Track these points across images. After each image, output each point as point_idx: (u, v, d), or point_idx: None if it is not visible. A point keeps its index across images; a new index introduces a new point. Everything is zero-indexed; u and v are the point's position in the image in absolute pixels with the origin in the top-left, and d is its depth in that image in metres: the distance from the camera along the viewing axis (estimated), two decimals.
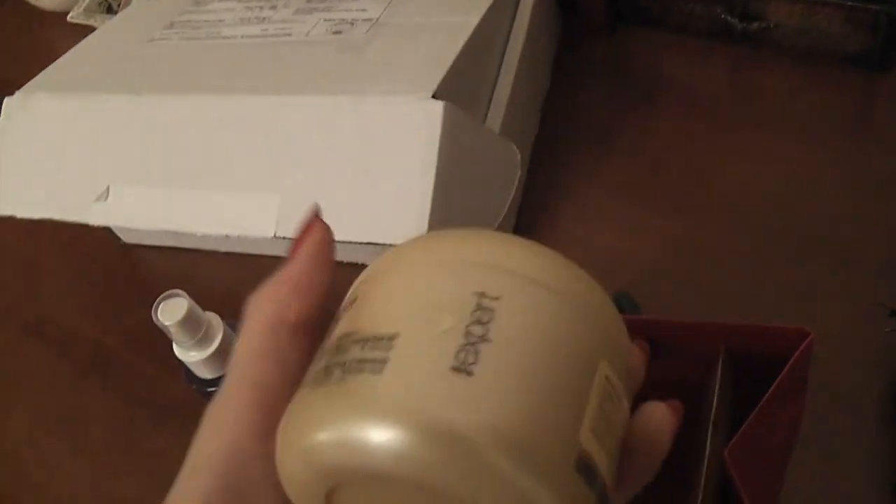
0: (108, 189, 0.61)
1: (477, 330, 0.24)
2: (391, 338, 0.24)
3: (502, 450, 0.22)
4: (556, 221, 0.66)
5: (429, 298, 0.25)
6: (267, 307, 0.29)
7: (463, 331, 0.24)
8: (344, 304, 0.27)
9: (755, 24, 0.71)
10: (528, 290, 0.26)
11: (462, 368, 0.23)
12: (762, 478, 0.39)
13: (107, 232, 0.74)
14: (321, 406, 0.24)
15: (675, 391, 0.42)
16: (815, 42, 0.70)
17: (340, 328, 0.25)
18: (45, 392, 0.68)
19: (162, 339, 0.51)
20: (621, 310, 0.54)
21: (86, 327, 0.71)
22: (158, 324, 0.49)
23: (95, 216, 0.61)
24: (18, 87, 0.66)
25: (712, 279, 0.60)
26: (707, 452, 0.35)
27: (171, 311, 0.49)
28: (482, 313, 0.24)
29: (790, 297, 0.58)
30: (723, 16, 0.72)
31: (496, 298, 0.25)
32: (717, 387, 0.37)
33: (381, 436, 0.22)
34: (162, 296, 0.49)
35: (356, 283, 0.28)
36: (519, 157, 0.62)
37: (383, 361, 0.23)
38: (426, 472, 0.22)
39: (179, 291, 0.49)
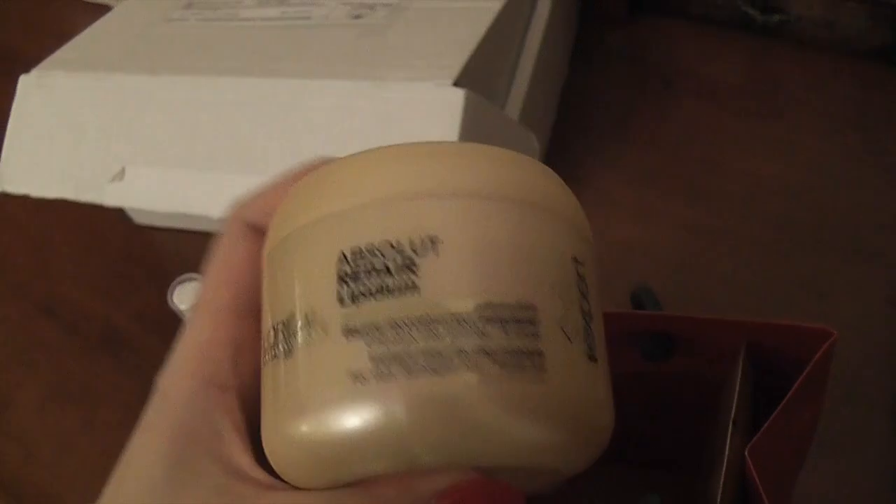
0: (123, 170, 0.60)
1: (586, 309, 0.26)
2: (532, 320, 0.24)
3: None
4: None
5: (546, 259, 0.25)
6: (250, 214, 0.29)
7: (580, 315, 0.25)
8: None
9: (776, 17, 0.71)
10: (592, 252, 0.27)
11: (592, 360, 0.25)
12: (780, 477, 0.39)
13: (119, 213, 0.73)
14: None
15: (695, 388, 0.42)
16: (835, 35, 0.70)
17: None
18: (55, 370, 0.68)
19: (173, 321, 0.51)
20: (641, 305, 0.54)
21: (97, 307, 0.71)
22: (173, 307, 0.49)
23: (110, 197, 0.61)
24: (32, 64, 0.66)
25: (728, 269, 0.60)
26: (727, 451, 0.34)
27: (186, 294, 0.49)
28: (582, 286, 0.26)
29: (806, 290, 0.58)
30: (743, 7, 0.72)
31: (583, 264, 0.26)
32: (737, 385, 0.37)
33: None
34: (177, 279, 0.49)
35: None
36: (538, 146, 0.62)
37: (539, 367, 0.23)
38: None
39: (195, 275, 0.49)
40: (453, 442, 0.23)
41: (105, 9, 0.85)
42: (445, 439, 0.23)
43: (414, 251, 0.24)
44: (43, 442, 0.65)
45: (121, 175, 0.60)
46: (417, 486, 0.24)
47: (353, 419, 0.23)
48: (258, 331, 0.27)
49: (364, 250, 0.24)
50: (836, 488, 0.50)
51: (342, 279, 0.24)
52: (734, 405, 0.36)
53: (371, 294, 0.24)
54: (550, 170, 0.29)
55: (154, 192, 0.60)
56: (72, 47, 0.68)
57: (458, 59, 0.54)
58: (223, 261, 0.29)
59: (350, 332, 0.23)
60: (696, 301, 0.59)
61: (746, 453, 0.33)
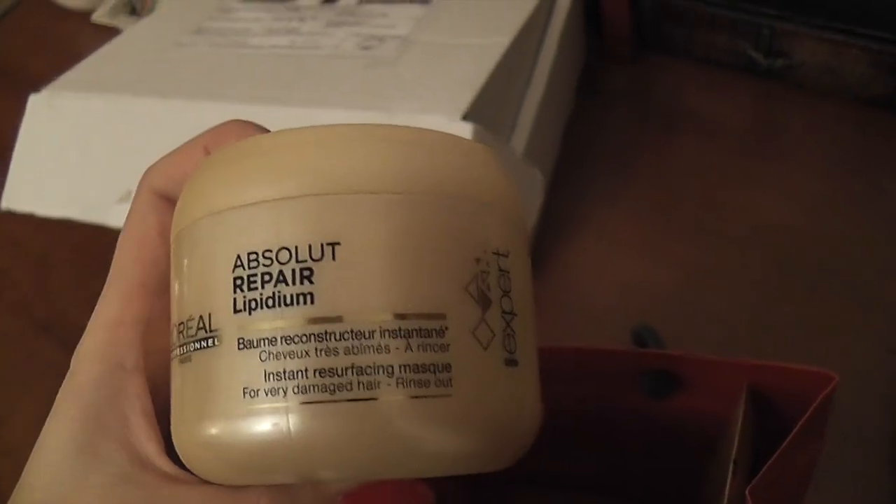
0: (129, 192, 0.61)
1: (507, 308, 0.24)
2: (440, 331, 0.23)
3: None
4: (575, 246, 0.66)
5: (456, 263, 0.23)
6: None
7: (498, 316, 0.24)
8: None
9: (780, 61, 0.72)
10: (523, 242, 0.26)
11: (510, 365, 0.24)
12: None
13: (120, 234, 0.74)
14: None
15: (696, 426, 0.42)
16: (838, 81, 0.70)
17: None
18: (52, 390, 0.67)
19: None
20: (643, 342, 0.54)
21: None
22: None
23: (115, 218, 0.61)
24: (41, 84, 0.67)
25: (727, 309, 0.61)
26: (727, 490, 0.35)
27: None
28: (504, 282, 0.24)
29: (803, 332, 0.58)
30: (747, 51, 0.73)
31: (507, 257, 0.24)
32: (739, 425, 0.37)
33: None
34: None
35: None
36: (542, 181, 0.62)
37: (446, 382, 0.22)
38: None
39: None
40: (351, 460, 0.22)
41: (114, 31, 0.85)
42: (342, 458, 0.22)
43: (311, 257, 0.22)
44: None
45: (127, 197, 0.61)
46: (325, 486, 0.24)
47: (247, 435, 0.22)
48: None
49: (260, 255, 0.23)
50: None
51: (238, 285, 0.23)
52: (735, 445, 0.36)
53: (265, 303, 0.22)
54: (478, 146, 0.27)
55: None
56: (82, 68, 0.69)
57: (466, 94, 0.55)
58: (132, 234, 0.28)
59: (244, 343, 0.22)
60: (695, 340, 0.59)
61: (747, 493, 0.33)
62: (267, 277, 0.22)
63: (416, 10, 0.68)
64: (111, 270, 0.27)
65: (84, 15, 0.96)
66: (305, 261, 0.22)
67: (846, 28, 0.67)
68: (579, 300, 0.63)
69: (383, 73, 0.61)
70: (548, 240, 0.67)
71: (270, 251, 0.22)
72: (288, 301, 0.22)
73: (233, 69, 0.66)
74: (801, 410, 0.36)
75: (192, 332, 0.24)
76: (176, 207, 0.26)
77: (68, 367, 0.26)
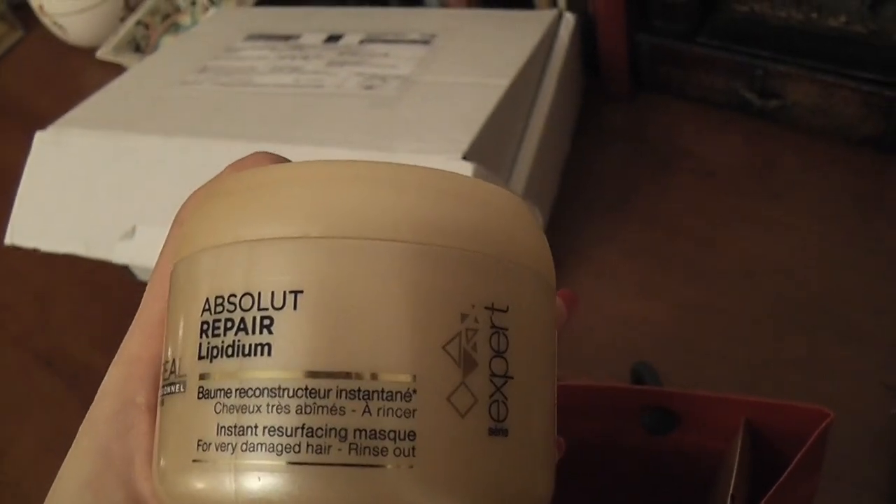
0: (134, 228, 0.61)
1: (497, 370, 0.22)
2: (407, 394, 0.21)
3: None
4: (573, 284, 0.67)
5: (432, 322, 0.21)
6: None
7: (484, 378, 0.22)
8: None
9: (773, 102, 0.73)
10: (529, 294, 0.23)
11: (496, 434, 0.22)
12: None
13: (122, 269, 0.74)
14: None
15: (694, 462, 0.43)
16: (830, 122, 0.72)
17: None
18: (53, 423, 0.68)
19: None
20: (641, 380, 0.55)
21: (97, 361, 0.71)
22: None
23: (120, 254, 0.62)
24: (46, 120, 0.67)
25: (724, 347, 0.61)
26: None
27: None
28: (496, 341, 0.22)
29: (800, 370, 0.59)
30: (741, 91, 0.74)
31: (504, 314, 0.22)
32: (736, 460, 0.37)
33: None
34: None
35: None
36: (541, 220, 0.63)
37: (409, 451, 0.21)
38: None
39: None
40: None
41: (119, 68, 0.87)
42: None
43: (273, 305, 0.21)
44: (37, 492, 0.65)
45: (131, 233, 0.61)
46: None
47: (194, 489, 0.21)
48: None
49: (226, 299, 0.21)
50: None
51: (204, 330, 0.22)
52: (733, 480, 0.37)
53: (225, 352, 0.21)
54: (486, 185, 0.24)
55: None
56: (87, 106, 0.70)
57: (467, 134, 0.56)
58: (160, 270, 0.27)
59: (203, 392, 0.21)
60: (692, 377, 0.59)
61: None
62: (229, 324, 0.21)
63: (418, 50, 0.69)
64: (140, 305, 0.27)
65: (89, 52, 0.97)
66: (266, 309, 0.21)
67: (837, 70, 0.68)
68: (577, 337, 0.64)
69: (385, 113, 0.62)
70: None
71: (235, 296, 0.21)
72: (246, 351, 0.21)
73: (237, 107, 0.67)
74: (797, 446, 0.37)
75: (167, 374, 0.23)
76: (179, 237, 0.26)
77: (69, 400, 0.27)
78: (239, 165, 0.27)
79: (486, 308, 0.22)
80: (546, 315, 0.24)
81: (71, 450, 0.26)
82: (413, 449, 0.20)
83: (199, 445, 0.21)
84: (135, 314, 0.28)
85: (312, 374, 0.20)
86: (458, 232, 0.22)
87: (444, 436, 0.21)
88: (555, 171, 0.74)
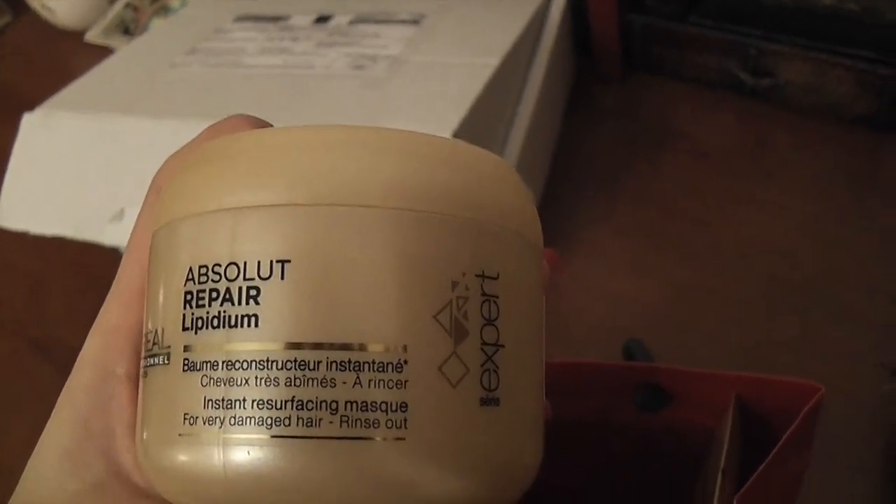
0: (122, 210, 0.61)
1: (488, 339, 0.22)
2: (399, 364, 0.21)
3: None
4: (565, 263, 0.67)
5: (422, 290, 0.21)
6: None
7: (476, 350, 0.21)
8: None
9: (766, 81, 0.72)
10: (518, 261, 0.23)
11: (487, 404, 0.22)
12: None
13: (114, 253, 0.74)
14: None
15: (684, 439, 0.42)
16: (823, 101, 0.71)
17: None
18: (47, 410, 0.68)
19: None
20: (633, 358, 0.55)
21: None
22: None
23: (109, 237, 0.61)
24: (34, 104, 0.67)
25: (715, 326, 0.61)
26: (716, 500, 0.35)
27: None
28: (488, 310, 0.22)
29: (792, 350, 0.59)
30: (734, 70, 0.74)
31: (495, 281, 0.22)
32: (727, 435, 0.37)
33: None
34: None
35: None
36: (533, 200, 0.63)
37: (402, 423, 0.21)
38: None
39: None
40: (287, 501, 0.21)
41: (108, 51, 0.86)
42: (278, 498, 0.20)
43: (259, 275, 0.20)
44: None
45: (120, 215, 0.61)
46: None
47: (181, 462, 0.21)
48: None
49: (210, 269, 0.21)
50: None
51: (187, 300, 0.21)
52: (724, 455, 0.36)
53: (210, 323, 0.21)
54: (471, 148, 0.24)
55: None
56: (76, 88, 0.69)
57: (456, 113, 0.56)
58: (137, 238, 0.27)
59: (188, 365, 0.21)
60: (684, 357, 0.59)
61: (735, 502, 0.34)
62: (214, 294, 0.21)
63: (408, 30, 0.69)
64: (117, 274, 0.27)
65: (77, 35, 0.97)
66: (253, 279, 0.20)
67: (830, 48, 0.68)
68: (569, 317, 0.63)
69: (375, 93, 0.62)
70: None
71: (220, 265, 0.21)
72: (232, 322, 0.20)
73: (226, 89, 0.66)
74: (788, 422, 0.37)
75: (150, 346, 0.23)
76: (158, 202, 0.25)
77: (62, 387, 0.26)
78: (217, 129, 0.27)
79: (477, 276, 0.21)
80: (535, 280, 0.24)
81: (49, 420, 0.26)
82: (405, 420, 0.20)
83: (185, 419, 0.21)
84: None
85: (301, 346, 0.20)
86: (448, 197, 0.22)
87: (436, 407, 0.21)
88: (546, 151, 0.73)
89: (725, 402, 0.39)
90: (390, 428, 0.20)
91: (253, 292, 0.20)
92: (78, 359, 0.26)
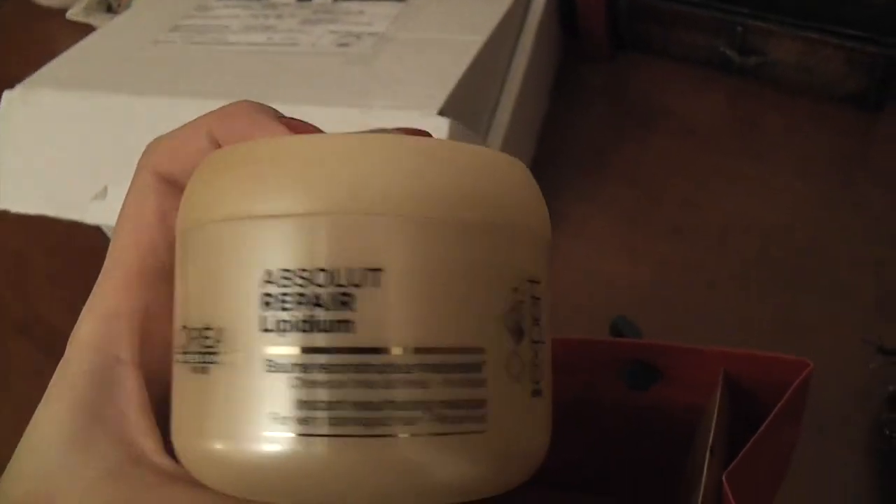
0: (105, 188, 0.60)
1: (536, 338, 0.24)
2: (477, 365, 0.22)
3: None
4: (552, 242, 0.67)
5: (493, 293, 0.22)
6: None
7: (530, 352, 0.23)
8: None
9: (753, 59, 0.72)
10: (548, 266, 0.25)
11: (536, 396, 0.23)
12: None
13: (97, 232, 0.73)
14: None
15: (673, 417, 0.42)
16: (812, 80, 0.71)
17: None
18: (30, 391, 0.67)
19: None
20: (622, 333, 0.54)
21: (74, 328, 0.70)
22: None
23: (92, 215, 0.61)
24: (14, 82, 0.66)
25: (704, 304, 0.61)
26: (704, 476, 0.35)
27: None
28: (534, 313, 0.24)
29: (780, 327, 0.59)
30: (722, 48, 0.73)
31: (536, 284, 0.24)
32: (715, 412, 0.37)
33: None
34: None
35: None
36: None
37: (480, 419, 0.22)
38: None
39: None
40: (375, 496, 0.21)
41: (90, 29, 0.85)
42: (366, 494, 0.21)
43: (352, 283, 0.21)
44: None
45: (103, 194, 0.60)
46: None
47: (269, 462, 0.21)
48: (171, 295, 0.25)
49: (295, 273, 0.21)
50: None
51: (266, 302, 0.21)
52: (712, 432, 0.36)
53: (298, 326, 0.21)
54: (515, 162, 0.25)
55: None
56: (57, 65, 0.69)
57: (442, 90, 0.55)
58: (130, 218, 0.26)
59: (272, 366, 0.21)
60: (671, 335, 0.59)
61: (724, 479, 0.34)
62: (302, 299, 0.21)
63: (393, 7, 0.68)
64: (108, 255, 0.26)
65: (59, 12, 0.96)
66: (345, 286, 0.21)
67: (819, 26, 0.68)
68: (557, 297, 0.63)
69: (360, 70, 0.61)
70: None
71: (307, 271, 0.21)
72: (325, 327, 0.21)
73: (209, 66, 0.66)
74: (777, 398, 0.36)
75: (209, 343, 0.22)
76: (184, 199, 0.25)
77: (46, 368, 0.26)
78: (226, 113, 0.26)
79: (529, 281, 0.23)
80: (549, 273, 0.26)
81: (42, 406, 0.25)
82: (484, 416, 0.22)
83: (272, 419, 0.21)
84: None
85: (396, 351, 0.21)
86: (508, 208, 0.23)
87: (506, 401, 0.22)
88: (532, 129, 0.73)
89: (714, 378, 0.39)
90: (474, 423, 0.22)
91: (346, 299, 0.21)
92: (72, 344, 0.26)
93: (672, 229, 0.66)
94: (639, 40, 0.78)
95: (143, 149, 0.28)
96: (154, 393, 0.25)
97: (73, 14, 0.93)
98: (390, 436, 0.21)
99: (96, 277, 0.27)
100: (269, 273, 0.21)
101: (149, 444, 0.24)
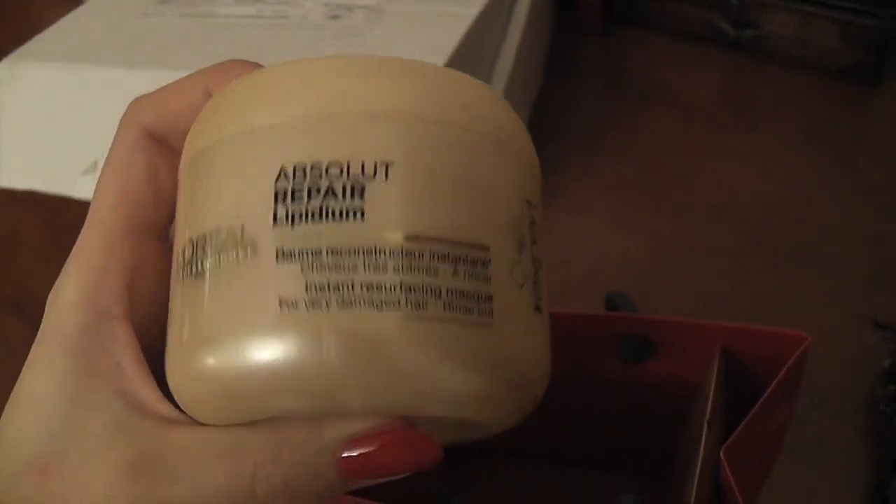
0: (95, 163, 0.60)
1: (535, 256, 0.24)
2: (485, 261, 0.23)
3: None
4: (548, 217, 0.66)
5: (501, 198, 0.24)
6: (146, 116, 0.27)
7: (530, 263, 0.24)
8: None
9: (749, 32, 0.72)
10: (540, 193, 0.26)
11: (537, 311, 0.24)
12: (751, 479, 0.39)
13: (88, 208, 0.73)
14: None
15: (669, 392, 0.42)
16: (807, 53, 0.70)
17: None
18: (21, 366, 0.67)
19: None
20: (617, 308, 0.54)
21: None
22: None
23: (82, 189, 0.60)
24: (2, 55, 0.65)
25: (700, 280, 0.61)
26: (701, 451, 0.35)
27: None
28: (532, 233, 0.24)
29: (777, 301, 0.58)
30: (717, 22, 0.73)
31: (535, 208, 0.25)
32: (712, 387, 0.37)
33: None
34: None
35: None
36: None
37: (487, 312, 0.22)
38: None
39: None
40: (384, 383, 0.22)
41: (79, 1, 0.84)
42: (376, 380, 0.22)
43: (364, 174, 0.22)
44: None
45: (93, 168, 0.60)
46: (328, 430, 0.23)
47: (279, 349, 0.21)
48: (159, 251, 0.26)
49: (309, 168, 0.22)
50: (799, 495, 0.50)
51: (280, 197, 0.22)
52: (709, 406, 0.36)
53: (311, 216, 0.22)
54: (506, 101, 0.27)
55: None
56: (45, 37, 0.68)
57: (435, 63, 0.54)
58: (116, 174, 0.26)
59: (284, 255, 0.22)
60: (668, 310, 0.59)
61: (722, 453, 0.33)
62: (315, 191, 0.22)
63: None
64: (91, 211, 0.26)
65: None
66: (357, 176, 0.22)
67: None
68: (553, 271, 0.63)
69: (352, 43, 0.60)
70: None
71: (320, 164, 0.22)
72: (337, 215, 0.22)
73: (199, 39, 0.65)
74: (774, 372, 0.36)
75: (219, 242, 0.23)
76: (191, 133, 0.25)
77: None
78: (218, 70, 0.27)
79: (527, 202, 0.24)
80: (543, 215, 0.27)
81: (29, 368, 0.25)
82: (491, 311, 0.22)
83: (282, 304, 0.21)
84: None
85: (407, 238, 0.21)
86: (513, 134, 0.25)
87: (511, 302, 0.23)
88: (527, 104, 0.72)
89: (710, 353, 0.38)
90: (482, 315, 0.22)
91: (359, 188, 0.22)
92: (55, 304, 0.25)
93: (668, 204, 0.66)
94: (634, 14, 0.78)
95: None
96: (145, 348, 0.25)
97: None
98: (400, 316, 0.21)
99: None
100: (283, 169, 0.22)
101: (149, 393, 0.24)
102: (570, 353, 0.42)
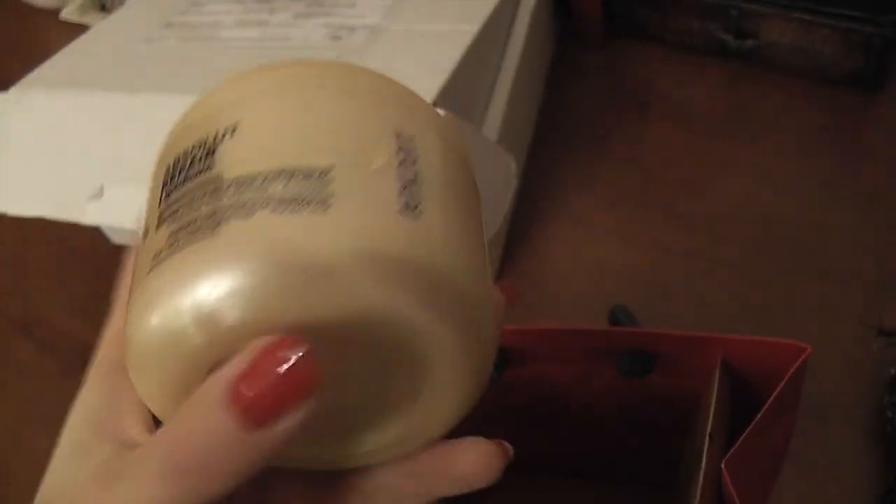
0: (102, 188, 0.60)
1: (408, 173, 0.25)
2: (325, 171, 0.24)
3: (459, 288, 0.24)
4: (549, 230, 0.67)
5: (349, 130, 0.25)
6: None
7: (395, 172, 0.25)
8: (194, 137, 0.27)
9: (749, 42, 0.72)
10: (434, 133, 0.27)
11: (409, 210, 0.24)
12: (754, 491, 0.39)
13: (96, 232, 0.73)
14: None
15: (670, 405, 0.42)
16: (808, 61, 0.71)
17: (225, 161, 0.25)
18: (31, 391, 0.68)
19: None
20: (617, 322, 0.54)
21: (74, 327, 0.70)
22: None
23: (90, 215, 0.61)
24: (8, 83, 0.66)
25: (703, 290, 0.61)
26: (703, 464, 0.35)
27: None
28: (405, 154, 0.25)
29: (778, 311, 0.59)
30: (717, 32, 0.73)
31: (411, 139, 0.26)
32: (713, 399, 0.37)
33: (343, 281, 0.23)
34: None
35: (203, 111, 0.28)
36: (515, 167, 0.62)
37: (324, 200, 0.23)
38: (407, 310, 0.23)
39: None
40: (240, 296, 0.23)
41: (84, 28, 0.85)
42: (233, 293, 0.23)
43: (215, 140, 0.25)
44: (17, 464, 0.64)
45: (100, 193, 0.60)
46: (211, 384, 0.23)
47: (154, 294, 0.23)
48: None
49: (181, 155, 0.26)
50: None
51: (165, 184, 0.26)
52: (710, 419, 0.36)
53: (178, 186, 0.25)
54: (384, 76, 0.29)
55: (133, 210, 0.60)
56: (51, 65, 0.68)
57: (436, 81, 0.55)
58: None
59: (161, 221, 0.25)
60: (671, 321, 0.59)
61: (723, 466, 0.34)
62: (183, 168, 0.26)
63: None
64: (120, 282, 0.30)
65: (52, 13, 0.95)
66: (210, 145, 0.26)
67: (814, 7, 0.67)
68: (555, 284, 0.63)
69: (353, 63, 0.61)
70: (522, 224, 0.67)
71: (188, 148, 0.26)
72: (192, 177, 0.25)
73: (203, 63, 0.65)
74: (775, 383, 0.36)
75: (142, 237, 0.26)
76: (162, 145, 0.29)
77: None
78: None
79: (396, 135, 0.26)
80: (444, 146, 0.27)
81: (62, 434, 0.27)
82: (329, 198, 0.23)
83: (155, 258, 0.24)
84: (110, 278, 0.31)
85: (244, 172, 0.24)
86: (356, 83, 0.28)
87: (358, 190, 0.24)
88: (529, 117, 0.73)
89: (712, 365, 0.39)
90: (317, 204, 0.23)
91: (212, 152, 0.25)
92: (91, 365, 0.28)
93: (670, 215, 0.66)
94: (634, 25, 0.78)
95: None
96: None
97: (68, 14, 0.93)
98: (232, 227, 0.23)
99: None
100: (169, 165, 0.27)
101: (137, 430, 0.26)
102: (571, 368, 0.42)
